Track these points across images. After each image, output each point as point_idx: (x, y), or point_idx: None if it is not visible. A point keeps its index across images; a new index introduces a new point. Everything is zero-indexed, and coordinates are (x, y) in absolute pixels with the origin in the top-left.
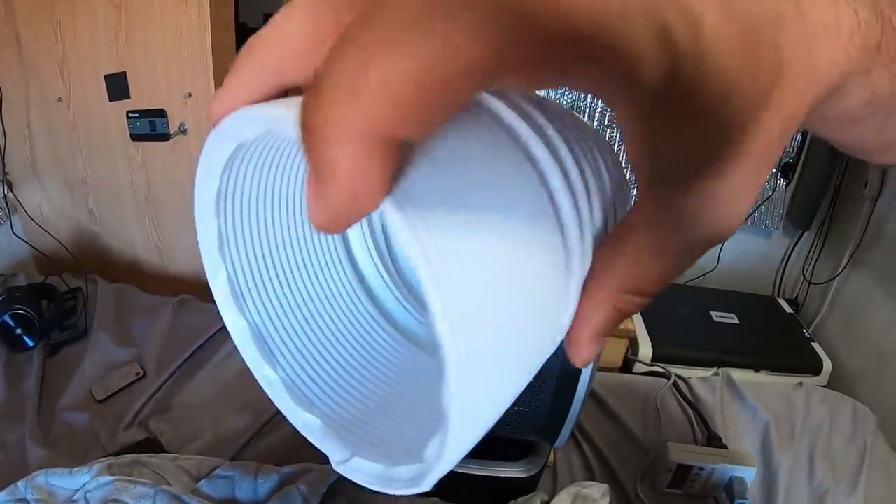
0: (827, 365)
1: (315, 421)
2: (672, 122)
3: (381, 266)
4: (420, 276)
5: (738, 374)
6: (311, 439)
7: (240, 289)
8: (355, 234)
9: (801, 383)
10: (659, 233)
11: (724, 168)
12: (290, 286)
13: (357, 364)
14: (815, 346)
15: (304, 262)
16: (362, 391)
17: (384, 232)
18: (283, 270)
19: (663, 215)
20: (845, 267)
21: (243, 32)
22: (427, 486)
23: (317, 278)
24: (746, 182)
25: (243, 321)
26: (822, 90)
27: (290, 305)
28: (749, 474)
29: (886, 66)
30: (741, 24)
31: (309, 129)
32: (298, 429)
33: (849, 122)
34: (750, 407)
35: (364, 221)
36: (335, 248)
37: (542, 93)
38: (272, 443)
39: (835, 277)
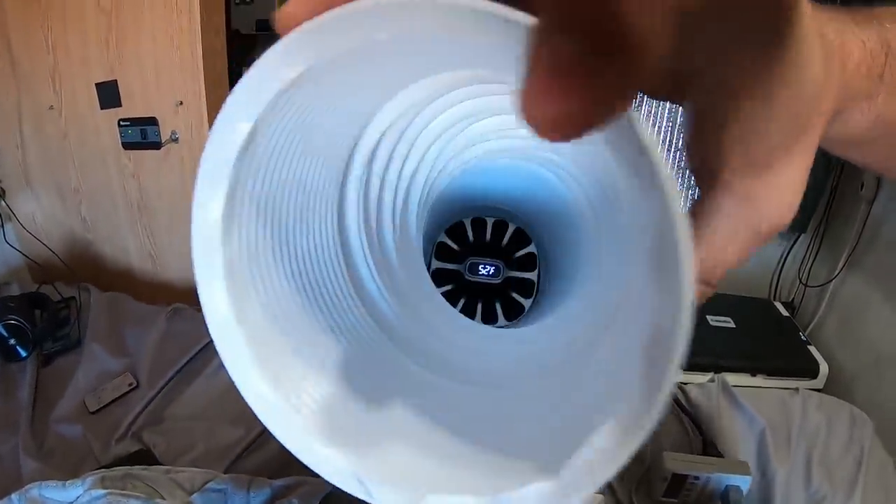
0: (824, 368)
1: (340, 459)
2: (775, 103)
3: (371, 262)
4: (667, 190)
5: (734, 378)
6: (355, 492)
7: (242, 278)
8: (352, 215)
9: (797, 389)
10: (732, 221)
11: (794, 155)
12: (292, 281)
13: (369, 382)
14: (812, 349)
15: (306, 252)
16: (387, 414)
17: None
18: (290, 261)
19: (738, 202)
20: (842, 269)
21: (235, 38)
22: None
23: (315, 268)
24: (804, 172)
25: (240, 332)
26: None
27: (292, 307)
28: (745, 482)
29: (890, 94)
30: (817, 26)
31: None
32: (325, 475)
33: (855, 144)
34: (746, 413)
35: (361, 211)
36: (333, 241)
37: None
38: (265, 455)
39: (831, 280)
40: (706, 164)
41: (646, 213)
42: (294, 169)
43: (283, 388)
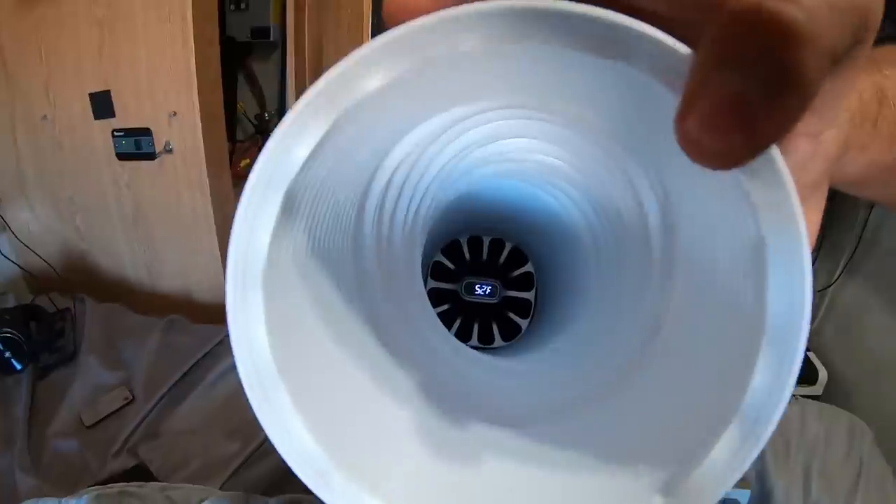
0: (822, 374)
1: None
2: (821, 144)
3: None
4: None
5: None
6: None
7: (287, 314)
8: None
9: (795, 397)
10: None
11: (818, 194)
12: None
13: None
14: (811, 354)
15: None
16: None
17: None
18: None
19: None
20: (840, 275)
21: (230, 46)
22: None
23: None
24: (822, 210)
25: (282, 382)
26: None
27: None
28: (744, 496)
29: (884, 140)
30: None
31: (780, 20)
32: None
33: (849, 185)
34: None
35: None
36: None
37: None
38: (262, 469)
39: (830, 286)
40: None
41: (751, 231)
42: (332, 190)
43: (334, 442)
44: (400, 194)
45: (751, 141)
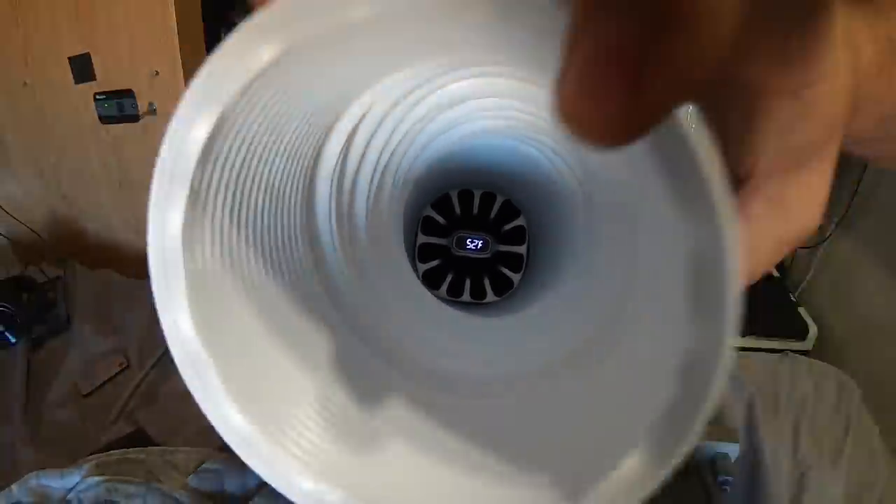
0: (812, 330)
1: (331, 494)
2: (808, 100)
3: (341, 256)
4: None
5: None
6: None
7: (211, 295)
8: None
9: (786, 352)
10: (760, 227)
11: (824, 156)
12: (268, 288)
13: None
14: (801, 310)
15: (278, 253)
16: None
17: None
18: (264, 267)
19: (767, 206)
20: (833, 232)
21: (211, 1)
22: None
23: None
24: (831, 175)
25: (210, 361)
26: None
27: (270, 324)
28: (733, 450)
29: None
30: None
31: None
32: None
33: (861, 143)
34: (736, 380)
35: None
36: (301, 236)
37: None
38: None
39: (822, 242)
40: (730, 167)
41: (682, 233)
42: (261, 163)
43: (264, 419)
44: (360, 165)
45: (638, 105)
